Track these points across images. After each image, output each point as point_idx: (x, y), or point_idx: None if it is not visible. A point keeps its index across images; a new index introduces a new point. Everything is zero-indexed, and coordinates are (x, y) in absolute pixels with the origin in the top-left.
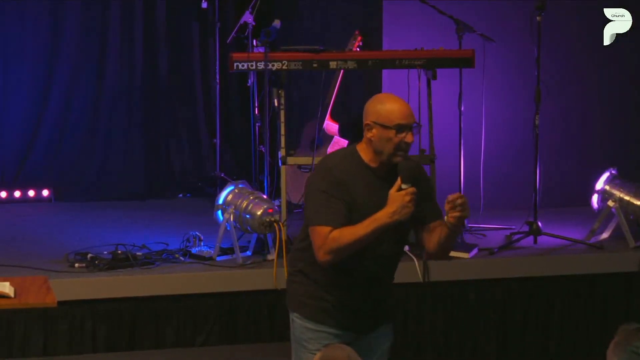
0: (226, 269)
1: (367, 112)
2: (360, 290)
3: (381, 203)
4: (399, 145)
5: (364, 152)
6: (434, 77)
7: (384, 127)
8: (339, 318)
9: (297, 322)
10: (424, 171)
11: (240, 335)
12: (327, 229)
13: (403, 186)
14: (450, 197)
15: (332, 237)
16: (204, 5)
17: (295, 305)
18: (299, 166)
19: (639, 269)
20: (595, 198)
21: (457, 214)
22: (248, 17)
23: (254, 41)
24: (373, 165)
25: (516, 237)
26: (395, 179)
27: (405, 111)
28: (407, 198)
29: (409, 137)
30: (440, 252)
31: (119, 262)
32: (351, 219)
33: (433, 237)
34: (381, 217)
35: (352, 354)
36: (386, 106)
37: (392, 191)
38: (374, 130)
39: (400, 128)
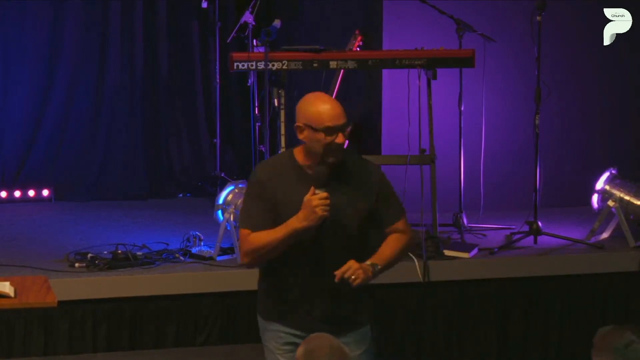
0: (226, 269)
1: (298, 114)
2: (303, 290)
3: None
4: (328, 146)
5: (299, 154)
6: (434, 77)
7: (313, 129)
8: (291, 317)
9: (259, 323)
10: (375, 174)
11: (240, 335)
12: (246, 232)
13: (317, 192)
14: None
15: (249, 240)
16: (204, 4)
17: (257, 306)
18: None
19: (639, 269)
20: (595, 198)
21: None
22: (248, 17)
23: (254, 41)
24: (307, 167)
25: (516, 237)
26: (338, 181)
27: (334, 113)
28: (315, 203)
29: (339, 138)
30: None
31: (120, 261)
32: (278, 219)
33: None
34: (292, 222)
35: (333, 342)
36: (315, 108)
37: (306, 196)
38: (305, 132)
39: (329, 130)
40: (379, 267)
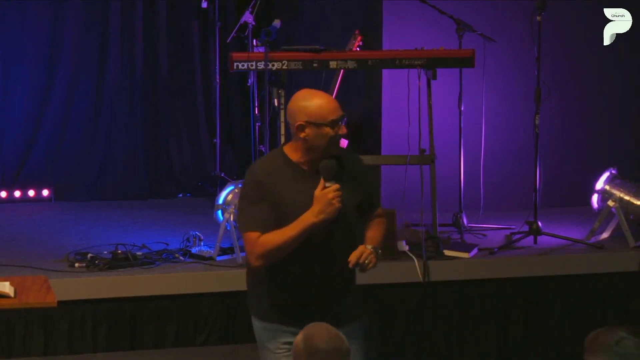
0: (226, 269)
1: (295, 113)
2: (309, 286)
3: (312, 201)
4: (333, 138)
5: (292, 152)
6: (434, 77)
7: (319, 125)
8: (292, 315)
9: (256, 324)
10: (361, 163)
11: (240, 335)
12: (255, 234)
13: (327, 184)
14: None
15: (260, 242)
16: (204, 5)
17: (252, 308)
18: None
19: (639, 269)
20: (595, 198)
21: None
22: (248, 17)
23: (254, 41)
24: (303, 164)
25: (516, 237)
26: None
27: (333, 105)
28: (331, 195)
29: (342, 129)
30: None
31: (119, 261)
32: (279, 218)
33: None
34: (308, 218)
35: (331, 329)
36: (314, 104)
37: (317, 191)
38: (307, 130)
39: (333, 123)
40: (380, 251)
